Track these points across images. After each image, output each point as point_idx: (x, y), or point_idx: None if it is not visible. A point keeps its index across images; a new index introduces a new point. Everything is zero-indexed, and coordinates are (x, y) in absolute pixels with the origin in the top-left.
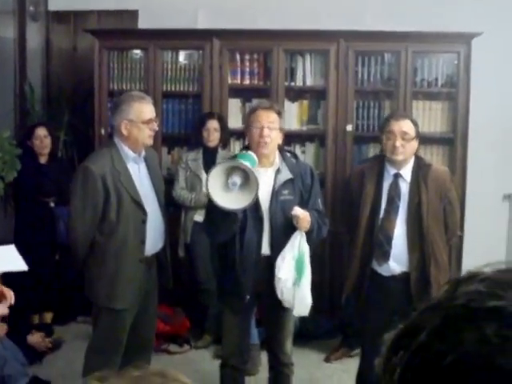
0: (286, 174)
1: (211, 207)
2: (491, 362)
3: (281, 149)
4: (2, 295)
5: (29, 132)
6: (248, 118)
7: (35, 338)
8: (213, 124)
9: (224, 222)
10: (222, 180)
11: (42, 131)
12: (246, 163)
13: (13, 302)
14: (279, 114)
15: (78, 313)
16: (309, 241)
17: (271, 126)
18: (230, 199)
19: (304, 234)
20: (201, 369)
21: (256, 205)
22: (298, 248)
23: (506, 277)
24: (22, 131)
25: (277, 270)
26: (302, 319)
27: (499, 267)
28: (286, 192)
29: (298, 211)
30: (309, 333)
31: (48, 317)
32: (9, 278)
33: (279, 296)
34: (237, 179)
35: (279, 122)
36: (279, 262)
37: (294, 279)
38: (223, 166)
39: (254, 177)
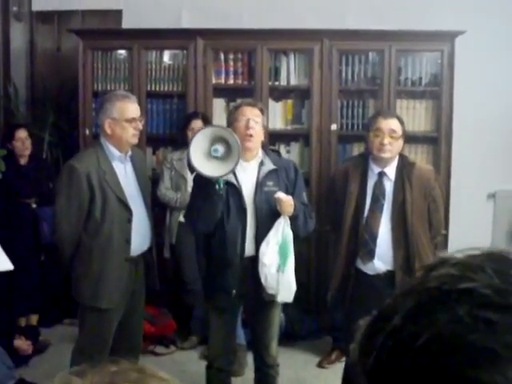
0: (270, 166)
1: (196, 191)
2: (463, 340)
3: (264, 146)
4: None
5: (9, 134)
6: (232, 114)
7: (19, 342)
8: (197, 124)
9: (205, 203)
10: (205, 146)
11: (22, 133)
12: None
13: None
14: (262, 111)
15: (65, 315)
16: (295, 230)
17: (256, 119)
18: (209, 167)
19: (288, 219)
20: (187, 370)
21: (239, 196)
22: (281, 233)
23: (476, 261)
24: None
25: (261, 255)
26: (289, 319)
27: (470, 252)
28: (270, 183)
29: (280, 194)
30: (295, 333)
31: (34, 319)
32: None
33: (263, 282)
34: (220, 148)
35: (262, 119)
36: (263, 247)
37: (277, 265)
38: (211, 129)
39: (237, 147)
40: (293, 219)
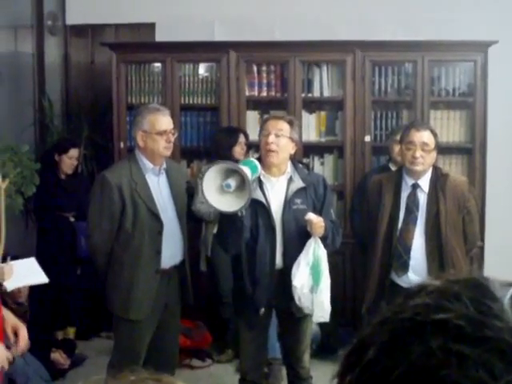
0: (299, 183)
1: (220, 218)
2: (435, 376)
3: (293, 159)
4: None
5: (61, 147)
6: (260, 128)
7: (56, 356)
8: (242, 138)
9: (231, 230)
10: (218, 181)
11: (75, 152)
12: (246, 169)
13: (21, 348)
14: (290, 123)
15: (102, 328)
16: (324, 248)
17: (279, 134)
18: (222, 201)
19: (319, 240)
20: (224, 383)
21: (268, 214)
22: (312, 254)
23: (453, 288)
24: (43, 145)
25: (292, 277)
26: (324, 332)
27: (449, 278)
28: (298, 201)
29: (311, 216)
30: (330, 346)
31: (71, 332)
32: (33, 294)
33: (297, 303)
34: (231, 182)
35: (290, 132)
36: (294, 269)
37: (310, 286)
38: (220, 166)
39: (248, 181)
40: (322, 239)
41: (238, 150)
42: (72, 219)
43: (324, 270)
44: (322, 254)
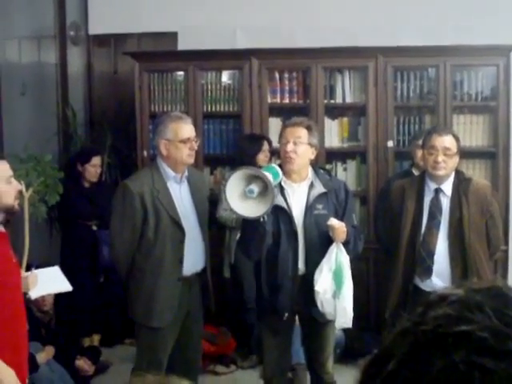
0: (320, 189)
1: (243, 224)
2: None
3: (313, 165)
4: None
5: (84, 157)
6: (279, 135)
7: (80, 363)
8: (266, 146)
9: (253, 236)
10: (241, 187)
11: (98, 160)
12: (268, 174)
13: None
14: (308, 129)
15: (126, 335)
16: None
17: (297, 141)
18: (245, 207)
19: (341, 245)
20: None
21: (290, 219)
22: (335, 260)
23: (475, 298)
24: (66, 154)
25: (315, 283)
26: (348, 337)
27: (472, 287)
28: (320, 206)
29: (333, 221)
30: (355, 351)
31: (96, 339)
32: (58, 302)
33: (320, 309)
34: (254, 188)
35: (308, 138)
36: (317, 275)
37: (333, 291)
38: (243, 172)
39: (271, 187)
40: (344, 244)
41: (262, 158)
42: (94, 228)
43: (346, 276)
44: (345, 259)
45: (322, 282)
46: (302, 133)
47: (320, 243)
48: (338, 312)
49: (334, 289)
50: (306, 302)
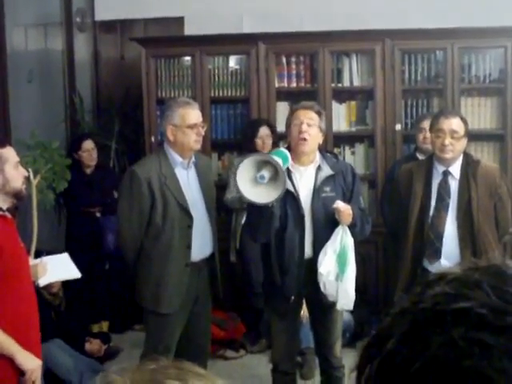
0: (327, 171)
1: (249, 207)
2: (458, 366)
3: (321, 149)
4: None
5: (75, 145)
6: (288, 118)
7: (93, 346)
8: (265, 131)
9: (260, 220)
10: (252, 173)
11: (89, 144)
12: (278, 159)
13: None
14: (319, 113)
15: (135, 321)
16: (352, 237)
17: (310, 123)
18: (256, 193)
19: (346, 228)
20: (257, 373)
21: (297, 204)
22: (339, 242)
23: (473, 276)
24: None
25: (318, 265)
26: (357, 321)
27: (470, 266)
28: (327, 189)
29: (339, 204)
30: (364, 335)
31: (104, 325)
32: (67, 288)
33: (322, 290)
34: (265, 173)
35: (319, 122)
36: (321, 257)
37: (336, 273)
38: (253, 158)
39: (282, 172)
40: (351, 227)
41: (259, 143)
42: (98, 215)
43: (350, 259)
44: (350, 242)
45: (326, 264)
46: (314, 116)
47: (328, 226)
48: (339, 294)
49: (337, 271)
50: (313, 285)
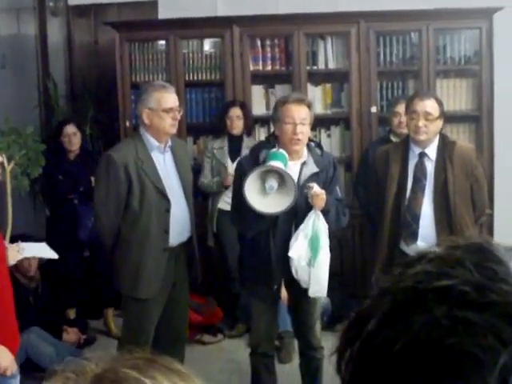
0: (312, 168)
1: (243, 206)
2: (441, 345)
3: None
4: None
5: (57, 129)
6: (278, 111)
7: (70, 336)
8: (235, 112)
9: (257, 221)
10: (258, 184)
11: (71, 129)
12: (279, 163)
13: None
14: (309, 106)
15: (113, 306)
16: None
17: (304, 122)
18: (267, 203)
19: (319, 213)
20: (235, 358)
21: None
22: (311, 227)
23: (454, 254)
24: (49, 127)
25: (290, 249)
26: (334, 304)
27: (450, 244)
28: (311, 185)
29: (314, 187)
30: (341, 318)
31: (71, 313)
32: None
33: (294, 275)
34: (273, 183)
35: (310, 117)
36: (292, 241)
37: (308, 259)
38: (258, 171)
39: (290, 179)
40: (324, 214)
41: (228, 124)
42: (76, 201)
43: (323, 245)
44: (323, 227)
45: (297, 249)
46: (306, 113)
47: None
48: (311, 280)
49: (310, 256)
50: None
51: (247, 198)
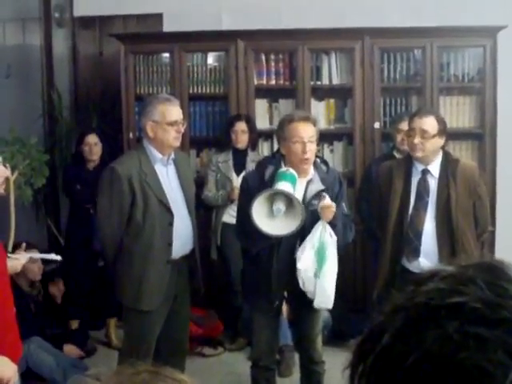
0: (318, 185)
1: (249, 224)
2: (453, 360)
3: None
4: None
5: (79, 139)
6: (285, 129)
7: (70, 349)
8: (241, 126)
9: (262, 239)
10: (266, 207)
11: (92, 138)
12: (288, 185)
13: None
14: (315, 124)
15: (116, 316)
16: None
17: (312, 140)
18: (274, 225)
19: (327, 225)
20: (235, 371)
21: None
22: (318, 239)
23: (466, 273)
24: (52, 138)
25: (297, 261)
26: (335, 319)
27: (462, 263)
28: (316, 202)
29: (326, 198)
30: (342, 332)
31: (74, 324)
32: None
33: (301, 286)
34: (281, 205)
35: (316, 134)
36: (299, 253)
37: (314, 270)
38: (265, 194)
39: (298, 204)
40: (331, 227)
41: (234, 137)
42: (92, 211)
43: (330, 256)
44: (329, 239)
45: (304, 260)
46: (313, 130)
47: None
48: (317, 291)
49: (316, 267)
50: (296, 285)
51: (254, 219)
